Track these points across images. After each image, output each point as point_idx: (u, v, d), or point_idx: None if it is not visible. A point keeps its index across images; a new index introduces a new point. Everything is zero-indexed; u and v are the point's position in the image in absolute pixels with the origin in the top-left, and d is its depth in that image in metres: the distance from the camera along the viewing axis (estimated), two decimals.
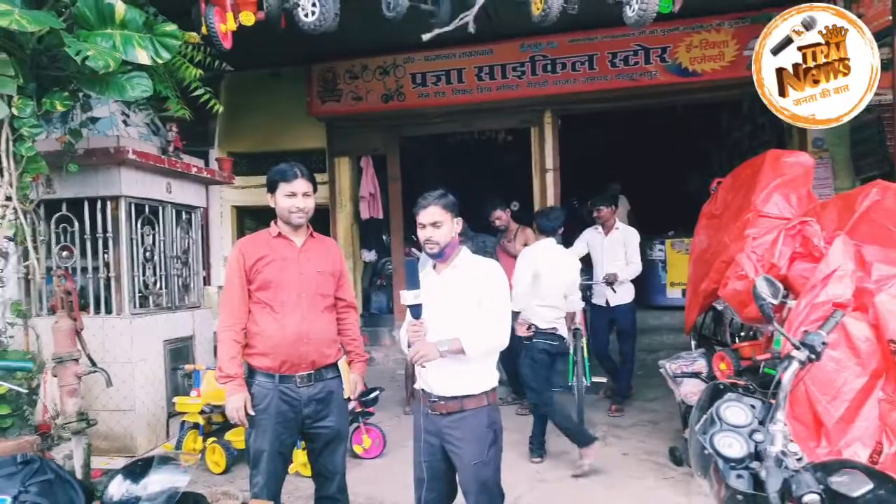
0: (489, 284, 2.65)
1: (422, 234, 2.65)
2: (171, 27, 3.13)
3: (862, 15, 5.22)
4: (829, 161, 7.25)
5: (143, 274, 5.06)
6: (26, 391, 3.43)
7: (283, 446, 2.86)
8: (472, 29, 4.41)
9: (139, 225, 5.01)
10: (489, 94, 7.74)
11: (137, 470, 2.28)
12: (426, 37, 3.79)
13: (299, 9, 3.53)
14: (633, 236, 5.83)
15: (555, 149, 8.01)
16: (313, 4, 3.48)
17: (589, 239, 6.04)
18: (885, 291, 3.00)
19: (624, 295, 5.78)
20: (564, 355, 4.79)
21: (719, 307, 4.42)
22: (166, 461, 2.33)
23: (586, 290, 5.91)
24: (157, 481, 2.25)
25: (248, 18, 3.57)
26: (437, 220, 2.61)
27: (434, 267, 2.76)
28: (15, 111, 3.03)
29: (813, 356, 1.92)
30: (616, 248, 5.80)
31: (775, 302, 2.07)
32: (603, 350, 5.90)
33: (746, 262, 3.55)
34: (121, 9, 2.99)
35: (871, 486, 1.55)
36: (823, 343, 1.94)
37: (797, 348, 1.94)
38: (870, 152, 6.91)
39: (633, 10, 3.36)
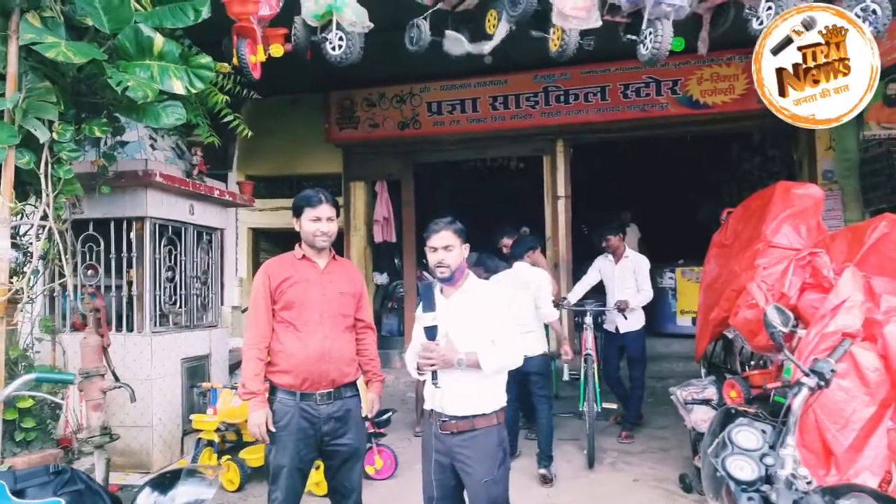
0: (498, 307, 2.77)
1: (433, 258, 2.74)
2: (205, 59, 3.30)
3: None
4: (839, 193, 7.33)
5: (164, 293, 5.18)
6: (62, 401, 3.53)
7: (303, 462, 2.94)
8: (488, 60, 4.56)
9: (162, 245, 5.14)
10: (503, 123, 7.91)
11: (165, 482, 2.37)
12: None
13: (327, 43, 3.69)
14: (643, 264, 5.89)
15: (566, 177, 8.14)
16: (340, 38, 3.64)
17: (601, 267, 6.12)
18: (893, 322, 3.06)
19: (634, 322, 5.83)
20: (539, 373, 4.90)
21: (730, 335, 4.46)
22: (193, 474, 2.41)
23: (598, 317, 5.97)
24: (184, 493, 2.33)
25: (277, 51, 3.74)
26: (449, 244, 2.72)
27: (441, 291, 2.83)
28: (55, 136, 3.19)
29: (822, 383, 1.99)
30: (626, 275, 5.87)
31: (785, 330, 2.14)
32: (613, 376, 5.94)
33: (757, 291, 3.61)
34: (159, 42, 3.16)
35: None
36: (832, 370, 2.01)
37: (807, 375, 2.01)
38: (879, 185, 6.99)
39: (647, 49, 3.48)
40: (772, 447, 1.89)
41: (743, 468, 1.83)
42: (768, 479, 1.82)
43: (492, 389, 2.72)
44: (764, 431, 1.93)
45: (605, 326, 6.02)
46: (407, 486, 4.43)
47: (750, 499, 1.79)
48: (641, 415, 6.02)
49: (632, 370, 5.90)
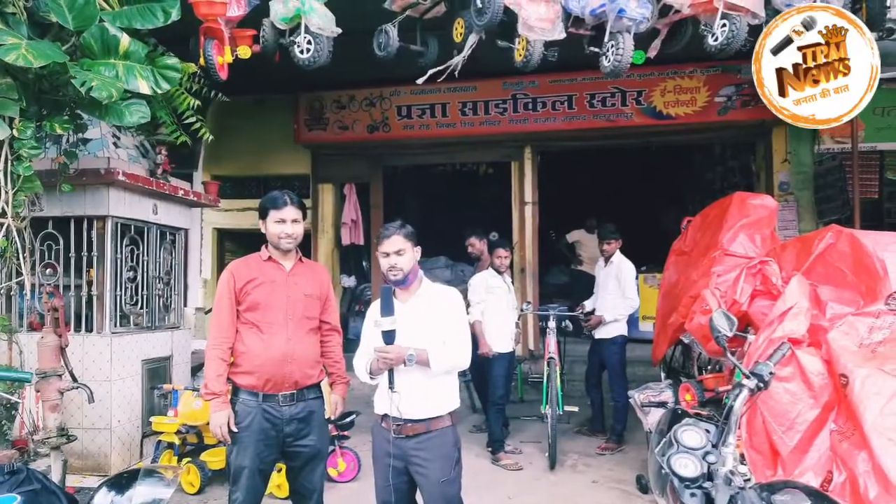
0: (453, 310, 2.82)
1: (385, 262, 2.76)
2: (172, 61, 3.29)
3: None
4: (795, 204, 7.59)
5: (126, 293, 5.12)
6: (19, 401, 3.47)
7: (264, 464, 2.94)
8: (456, 74, 4.59)
9: (124, 245, 5.08)
10: (472, 129, 7.99)
11: (123, 482, 2.36)
12: (420, 80, 4.01)
13: (295, 46, 3.71)
14: (626, 269, 5.74)
15: (534, 183, 8.26)
16: (308, 42, 3.66)
17: (595, 274, 6.07)
18: (836, 329, 3.20)
19: (610, 329, 5.70)
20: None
21: (686, 340, 4.60)
22: (151, 474, 2.40)
23: (562, 321, 6.02)
24: (142, 493, 2.32)
25: (245, 52, 3.74)
26: (401, 248, 2.75)
27: (395, 295, 2.83)
28: (16, 133, 3.14)
29: (761, 385, 2.09)
30: (609, 280, 5.76)
31: (730, 335, 2.24)
32: (589, 380, 5.88)
33: (711, 297, 3.75)
34: (125, 41, 3.14)
35: (809, 503, 1.71)
36: (771, 373, 2.12)
37: (747, 377, 2.12)
38: (832, 197, 7.26)
39: (609, 61, 3.58)
40: (715, 446, 1.98)
41: (687, 466, 1.92)
42: (710, 476, 1.92)
43: (446, 391, 2.77)
44: (708, 431, 2.02)
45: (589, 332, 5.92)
46: (370, 489, 4.37)
47: (692, 495, 1.88)
48: (622, 429, 5.59)
49: (609, 380, 5.70)
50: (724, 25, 3.45)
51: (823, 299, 3.41)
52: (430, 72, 3.98)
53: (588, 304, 6.02)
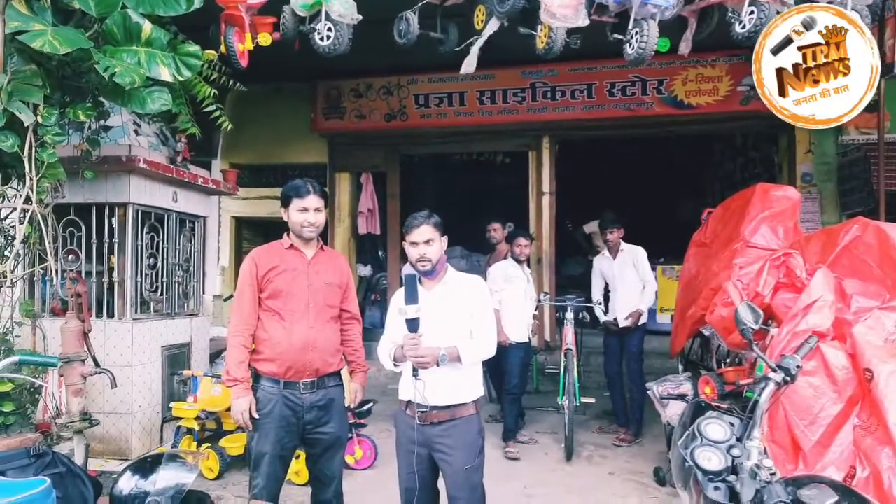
0: (479, 299, 2.81)
1: (415, 252, 2.76)
2: (193, 48, 3.30)
3: None
4: (818, 196, 7.47)
5: (146, 280, 5.17)
6: (43, 384, 3.53)
7: (284, 450, 2.97)
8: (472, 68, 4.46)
9: (144, 232, 5.13)
10: (489, 118, 7.95)
11: (146, 466, 2.39)
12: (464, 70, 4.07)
13: (315, 33, 3.70)
14: (640, 254, 5.64)
15: (551, 173, 8.21)
16: (329, 29, 3.65)
17: (600, 268, 5.91)
18: (861, 323, 3.16)
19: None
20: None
21: (706, 333, 4.56)
22: (174, 459, 2.44)
23: (579, 312, 5.97)
24: (165, 478, 2.35)
25: (265, 39, 3.74)
26: (430, 238, 2.75)
27: (420, 283, 2.82)
28: (40, 119, 3.17)
29: (788, 378, 2.07)
30: (626, 270, 5.65)
31: (755, 327, 2.21)
32: (612, 371, 5.74)
33: (733, 289, 3.70)
34: (147, 28, 3.15)
35: (836, 498, 1.69)
36: (798, 366, 2.09)
37: (774, 371, 2.09)
38: (856, 189, 7.13)
39: (633, 48, 3.53)
40: (739, 439, 1.97)
41: (711, 459, 1.91)
42: (734, 469, 1.90)
43: (471, 379, 2.78)
44: (732, 424, 2.00)
45: (605, 318, 5.82)
46: (386, 476, 4.46)
47: (716, 488, 1.87)
48: (640, 421, 5.56)
49: (628, 369, 5.61)
50: (752, 12, 3.38)
51: (849, 293, 3.36)
52: (469, 66, 3.93)
53: (606, 308, 5.82)
